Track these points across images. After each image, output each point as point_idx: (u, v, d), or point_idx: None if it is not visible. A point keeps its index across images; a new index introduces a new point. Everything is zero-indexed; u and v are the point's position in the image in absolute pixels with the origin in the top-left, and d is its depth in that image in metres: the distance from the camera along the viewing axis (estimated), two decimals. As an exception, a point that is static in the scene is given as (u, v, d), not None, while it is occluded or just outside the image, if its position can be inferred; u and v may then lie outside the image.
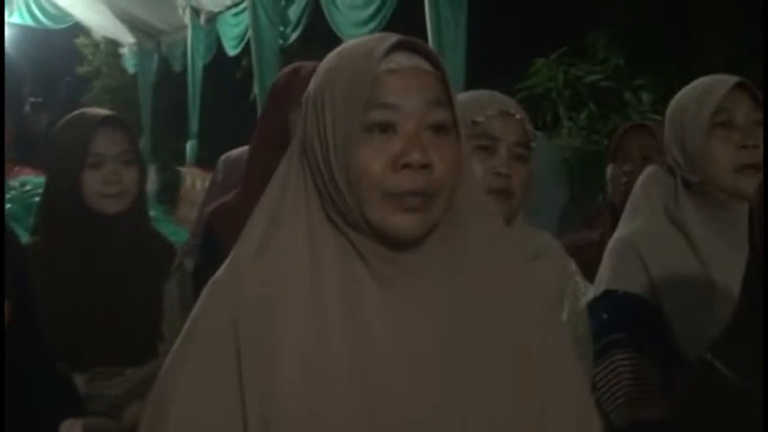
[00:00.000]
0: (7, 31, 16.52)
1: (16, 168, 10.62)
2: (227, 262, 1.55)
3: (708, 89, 2.39)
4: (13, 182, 8.77)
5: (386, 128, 1.44)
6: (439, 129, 1.46)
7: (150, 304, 2.80)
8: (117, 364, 2.69)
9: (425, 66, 1.48)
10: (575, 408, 1.57)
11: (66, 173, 2.75)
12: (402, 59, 1.46)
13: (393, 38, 1.46)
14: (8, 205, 7.32)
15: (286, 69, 3.06)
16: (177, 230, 7.27)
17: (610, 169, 3.60)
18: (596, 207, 3.82)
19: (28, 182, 8.10)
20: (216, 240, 2.75)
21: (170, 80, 12.99)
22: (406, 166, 1.42)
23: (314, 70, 3.01)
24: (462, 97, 2.22)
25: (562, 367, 1.58)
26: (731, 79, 2.38)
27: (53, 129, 2.93)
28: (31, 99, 21.30)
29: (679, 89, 2.52)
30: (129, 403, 2.43)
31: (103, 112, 2.92)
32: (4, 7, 6.81)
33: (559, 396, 1.53)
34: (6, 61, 19.09)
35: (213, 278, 1.55)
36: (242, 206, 2.81)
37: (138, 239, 2.86)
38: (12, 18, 14.57)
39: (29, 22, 14.61)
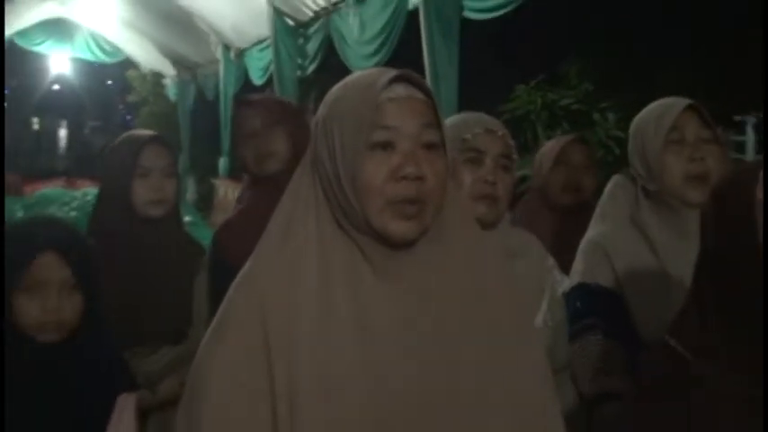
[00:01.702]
0: (70, 65, 16.72)
1: (78, 181, 10.74)
2: (251, 258, 1.57)
3: (663, 111, 2.39)
4: (76, 193, 8.86)
5: (386, 146, 1.48)
6: (430, 147, 1.50)
7: (183, 294, 2.83)
8: (154, 344, 2.72)
9: (419, 95, 1.52)
10: (536, 380, 1.59)
11: (119, 182, 2.80)
12: (399, 90, 1.50)
13: (392, 72, 1.50)
14: (73, 213, 7.38)
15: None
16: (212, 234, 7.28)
17: (550, 172, 3.54)
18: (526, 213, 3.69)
19: (89, 193, 8.14)
20: (220, 253, 2.78)
21: (205, 106, 13.01)
22: (404, 177, 1.46)
23: (258, 101, 3.01)
24: (453, 118, 2.26)
25: (531, 354, 1.61)
26: (683, 102, 2.38)
27: (108, 147, 2.99)
28: (91, 123, 21.38)
29: (638, 110, 2.51)
30: (163, 378, 2.45)
31: (149, 132, 2.99)
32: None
33: (523, 368, 1.56)
34: (69, 90, 19.16)
35: (241, 272, 1.57)
36: (239, 223, 2.87)
37: (174, 240, 2.91)
38: (75, 53, 14.71)
39: (89, 57, 14.74)
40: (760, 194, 1.64)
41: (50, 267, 2.12)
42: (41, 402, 2.10)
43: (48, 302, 2.11)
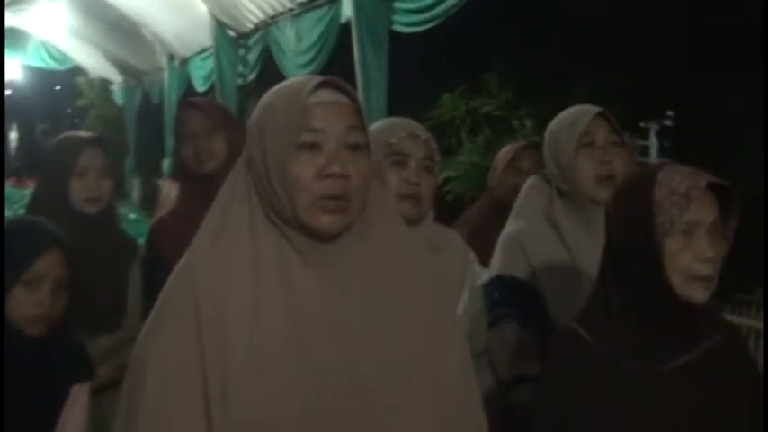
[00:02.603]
0: (22, 72, 16.50)
1: (28, 181, 10.61)
2: (187, 252, 1.56)
3: (575, 118, 2.41)
4: (26, 191, 8.74)
5: (313, 147, 1.48)
6: (354, 148, 1.51)
7: (118, 286, 2.83)
8: (92, 332, 2.67)
9: (344, 100, 1.53)
10: (457, 365, 1.59)
11: (57, 181, 2.79)
12: (326, 95, 1.51)
13: (318, 78, 1.51)
14: (21, 210, 7.23)
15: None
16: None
17: (502, 174, 3.65)
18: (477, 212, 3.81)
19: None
20: (154, 246, 2.80)
21: (150, 111, 12.88)
22: (329, 176, 1.47)
23: (202, 105, 3.00)
24: (379, 124, 2.26)
25: (453, 339, 1.62)
26: (593, 109, 2.40)
27: (48, 146, 2.96)
28: (41, 126, 21.04)
29: (554, 116, 2.53)
30: (102, 364, 2.42)
31: (88, 134, 3.00)
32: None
33: (444, 353, 1.57)
34: (21, 95, 18.81)
35: (177, 267, 1.56)
36: (173, 219, 2.86)
37: (109, 236, 2.89)
38: (27, 61, 14.57)
39: (40, 64, 14.65)
40: (658, 195, 1.67)
41: (52, 264, 2.13)
42: (27, 392, 2.08)
43: (43, 298, 2.10)
